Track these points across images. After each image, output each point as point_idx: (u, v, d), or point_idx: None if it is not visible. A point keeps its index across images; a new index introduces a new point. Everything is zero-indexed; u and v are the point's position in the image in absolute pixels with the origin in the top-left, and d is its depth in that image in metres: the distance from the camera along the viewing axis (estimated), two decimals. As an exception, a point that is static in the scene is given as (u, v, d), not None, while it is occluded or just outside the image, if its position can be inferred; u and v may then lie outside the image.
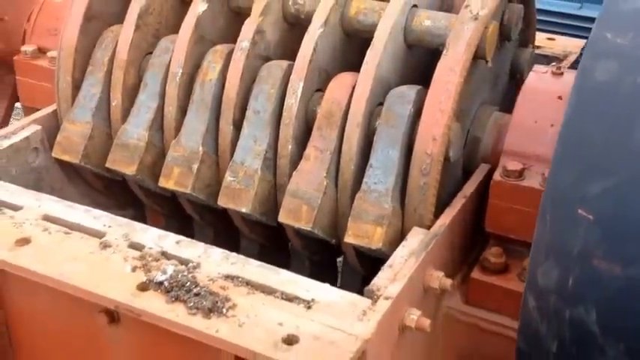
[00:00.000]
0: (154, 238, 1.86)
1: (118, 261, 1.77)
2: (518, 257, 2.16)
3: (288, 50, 2.30)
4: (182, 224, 2.59)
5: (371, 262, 2.24)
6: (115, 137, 2.36)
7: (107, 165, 2.32)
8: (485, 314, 2.14)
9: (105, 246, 1.83)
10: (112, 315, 1.74)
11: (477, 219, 2.23)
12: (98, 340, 1.84)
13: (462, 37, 2.02)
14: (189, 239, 1.87)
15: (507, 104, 2.58)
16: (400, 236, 2.05)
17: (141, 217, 2.79)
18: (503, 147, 2.21)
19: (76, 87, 2.44)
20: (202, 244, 1.85)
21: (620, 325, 1.68)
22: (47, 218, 1.94)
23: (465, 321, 2.15)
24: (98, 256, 1.79)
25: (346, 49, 2.27)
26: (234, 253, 1.82)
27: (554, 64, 2.88)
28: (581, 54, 3.12)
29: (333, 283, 2.55)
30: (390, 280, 1.79)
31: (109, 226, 1.91)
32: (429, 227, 2.03)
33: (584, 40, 3.10)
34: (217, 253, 1.82)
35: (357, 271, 2.33)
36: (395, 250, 2.01)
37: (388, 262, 1.85)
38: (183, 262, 1.78)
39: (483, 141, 2.27)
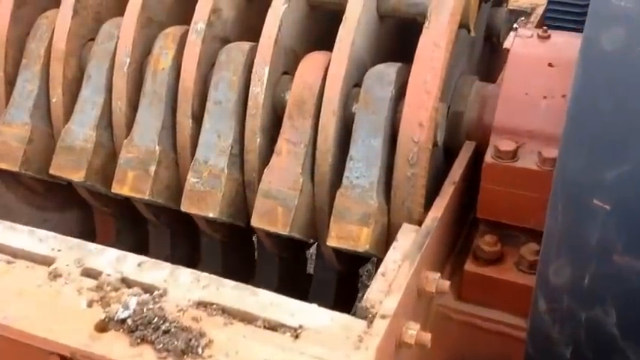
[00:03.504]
0: (112, 261, 1.68)
1: (71, 295, 1.59)
2: (513, 244, 2.04)
3: (247, 27, 2.11)
4: (135, 225, 2.43)
5: (349, 258, 2.09)
6: (57, 139, 2.15)
7: (51, 171, 2.12)
8: (481, 311, 2.01)
9: (55, 276, 1.64)
10: (68, 362, 1.56)
11: (465, 204, 2.09)
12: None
13: (444, 5, 1.84)
14: (152, 260, 1.69)
15: (484, 71, 2.43)
16: (387, 233, 1.90)
17: (88, 218, 2.63)
18: (489, 121, 2.07)
19: (10, 83, 2.23)
20: (167, 264, 1.68)
21: (643, 327, 1.56)
22: (-15, 246, 1.74)
23: (458, 319, 2.03)
24: (48, 290, 1.61)
25: (312, 24, 2.09)
26: (204, 274, 1.65)
27: (522, 19, 2.73)
28: (548, 6, 2.98)
29: (304, 279, 2.47)
30: (384, 292, 1.63)
31: (59, 250, 1.72)
32: (418, 222, 1.88)
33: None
34: (186, 274, 1.65)
35: (333, 267, 2.18)
36: (382, 249, 1.87)
37: (380, 270, 1.69)
38: (148, 289, 1.60)
39: (466, 115, 2.12)
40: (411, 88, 1.82)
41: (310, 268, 2.58)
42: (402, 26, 2.06)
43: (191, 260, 2.62)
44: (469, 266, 2.01)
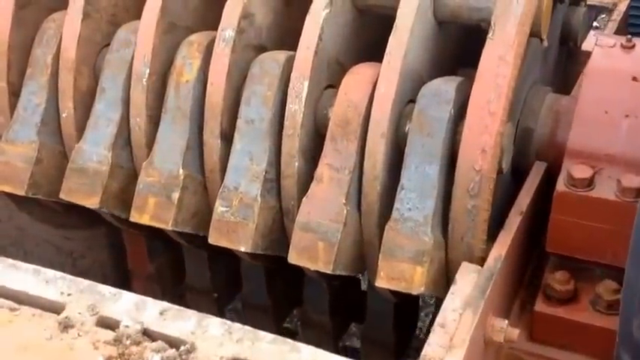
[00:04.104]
0: (130, 309, 1.49)
1: (85, 349, 1.40)
2: (587, 280, 1.83)
3: (287, 32, 1.90)
4: (168, 244, 2.22)
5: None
6: (69, 157, 1.96)
7: (62, 196, 1.92)
8: (556, 353, 1.81)
9: (66, 326, 1.45)
10: None
11: (533, 235, 1.87)
12: None
13: (511, 13, 1.62)
14: (175, 307, 1.49)
15: (560, 78, 2.21)
16: (444, 271, 1.69)
17: (116, 235, 2.43)
18: (563, 140, 1.86)
19: (14, 94, 2.02)
20: (193, 312, 1.48)
21: None
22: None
23: (531, 362, 1.81)
24: (58, 344, 1.42)
25: (360, 28, 1.88)
26: (237, 325, 1.45)
27: (603, 16, 2.49)
28: (632, 2, 2.72)
29: (359, 298, 2.26)
30: (445, 347, 1.44)
31: (69, 294, 1.52)
32: (480, 259, 1.67)
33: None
34: (215, 325, 1.45)
35: (389, 300, 1.98)
36: (440, 287, 1.67)
37: (439, 320, 1.49)
38: (173, 343, 1.41)
39: (537, 133, 1.91)
40: (473, 109, 1.61)
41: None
42: (463, 33, 1.85)
43: (233, 284, 2.43)
44: (540, 307, 1.80)
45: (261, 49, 1.87)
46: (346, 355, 2.46)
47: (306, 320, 2.31)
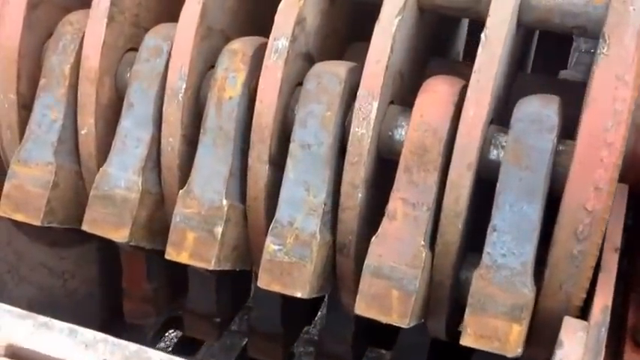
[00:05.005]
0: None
1: None
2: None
3: (328, 34, 1.67)
4: (169, 266, 1.98)
5: None
6: (88, 181, 1.70)
7: (85, 227, 1.66)
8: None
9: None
10: None
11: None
12: None
13: (628, 23, 1.37)
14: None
15: None
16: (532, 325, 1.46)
17: (108, 251, 2.22)
18: None
19: (25, 107, 1.75)
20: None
21: None
22: (12, 354, 1.30)
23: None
24: None
25: (420, 32, 1.62)
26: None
27: None
28: None
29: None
30: None
31: (109, 364, 1.28)
32: (577, 309, 1.44)
33: None
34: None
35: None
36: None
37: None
38: None
39: None
40: (586, 138, 1.36)
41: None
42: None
43: (240, 305, 2.23)
44: (630, 357, 1.57)
45: (309, 57, 1.62)
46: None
47: (322, 350, 2.10)
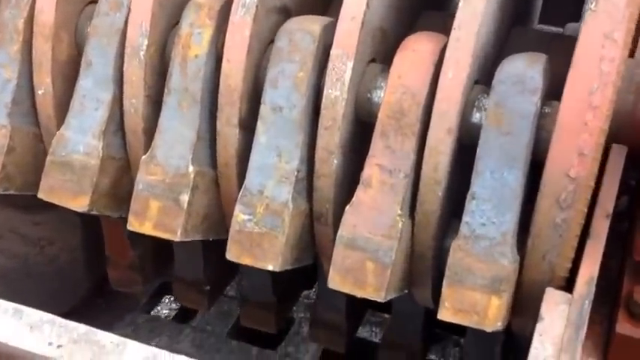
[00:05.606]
0: (141, 366, 1.18)
1: None
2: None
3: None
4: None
5: None
6: (48, 142, 1.62)
7: (41, 195, 1.59)
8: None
9: (58, 394, 1.14)
10: None
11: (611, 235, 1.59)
12: None
13: (620, -24, 1.29)
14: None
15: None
16: (515, 297, 1.41)
17: (92, 218, 2.10)
18: None
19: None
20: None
21: None
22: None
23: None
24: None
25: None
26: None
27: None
28: None
29: None
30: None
31: (58, 345, 1.21)
32: (563, 280, 1.39)
33: None
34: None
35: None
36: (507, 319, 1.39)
37: (528, 375, 1.21)
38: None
39: (614, 109, 1.59)
40: (569, 102, 1.29)
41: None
42: None
43: (228, 274, 2.14)
44: (623, 327, 1.51)
45: (285, 11, 1.53)
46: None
47: (317, 319, 2.03)
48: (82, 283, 2.36)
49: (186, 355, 2.34)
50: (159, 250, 2.09)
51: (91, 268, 2.32)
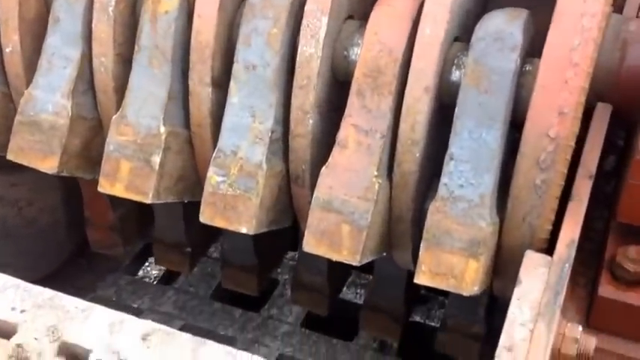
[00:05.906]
0: (103, 334, 1.15)
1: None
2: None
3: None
4: None
5: None
6: (18, 101, 1.58)
7: (9, 156, 1.55)
8: (621, 346, 1.51)
9: (19, 358, 1.12)
10: None
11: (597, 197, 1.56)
12: None
13: None
14: (162, 329, 1.16)
15: None
16: (494, 260, 1.38)
17: (71, 179, 2.07)
18: (635, 75, 1.51)
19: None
20: (186, 337, 1.15)
21: None
22: None
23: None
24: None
25: None
26: (244, 354, 1.13)
27: None
28: None
29: None
30: (517, 378, 1.13)
31: (22, 310, 1.19)
32: (543, 242, 1.36)
33: None
34: (216, 354, 1.13)
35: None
36: (487, 282, 1.36)
37: (504, 342, 1.19)
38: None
39: (599, 67, 1.54)
40: (549, 58, 1.25)
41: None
42: None
43: (209, 235, 2.11)
44: (605, 290, 1.49)
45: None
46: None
47: (298, 282, 2.01)
48: (65, 244, 2.33)
49: (170, 316, 2.35)
50: (140, 211, 2.05)
51: (72, 229, 2.28)
